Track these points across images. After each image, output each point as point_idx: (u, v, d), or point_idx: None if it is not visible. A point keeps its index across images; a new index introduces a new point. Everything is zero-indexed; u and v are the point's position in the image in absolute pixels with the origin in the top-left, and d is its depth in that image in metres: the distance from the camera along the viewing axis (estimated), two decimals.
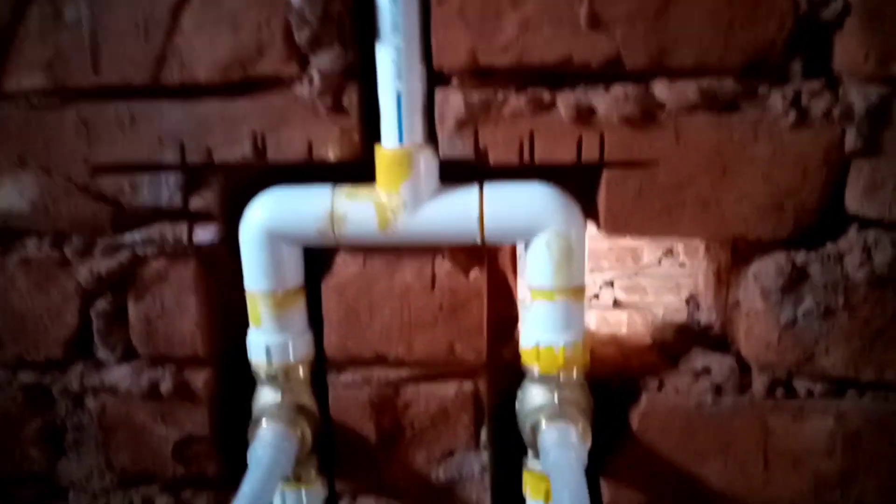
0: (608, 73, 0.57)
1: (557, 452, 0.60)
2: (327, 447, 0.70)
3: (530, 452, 0.69)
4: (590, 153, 0.58)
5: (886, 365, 0.63)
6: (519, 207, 0.60)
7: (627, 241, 2.31)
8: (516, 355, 0.72)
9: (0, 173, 0.62)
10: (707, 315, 0.78)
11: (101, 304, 0.66)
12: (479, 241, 0.61)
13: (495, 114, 0.58)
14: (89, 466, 0.71)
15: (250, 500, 0.56)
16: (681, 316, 0.81)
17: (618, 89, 0.57)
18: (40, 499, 0.74)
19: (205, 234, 0.63)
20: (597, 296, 2.40)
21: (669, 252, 2.27)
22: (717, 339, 0.73)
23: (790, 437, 0.65)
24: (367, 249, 0.64)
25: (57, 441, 0.71)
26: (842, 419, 0.65)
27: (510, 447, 0.72)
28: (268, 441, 0.62)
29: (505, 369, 0.72)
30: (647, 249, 2.28)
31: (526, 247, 0.63)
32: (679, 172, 0.59)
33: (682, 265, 2.26)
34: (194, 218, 0.63)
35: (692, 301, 0.82)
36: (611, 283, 2.42)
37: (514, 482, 0.71)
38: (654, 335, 0.76)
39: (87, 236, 0.64)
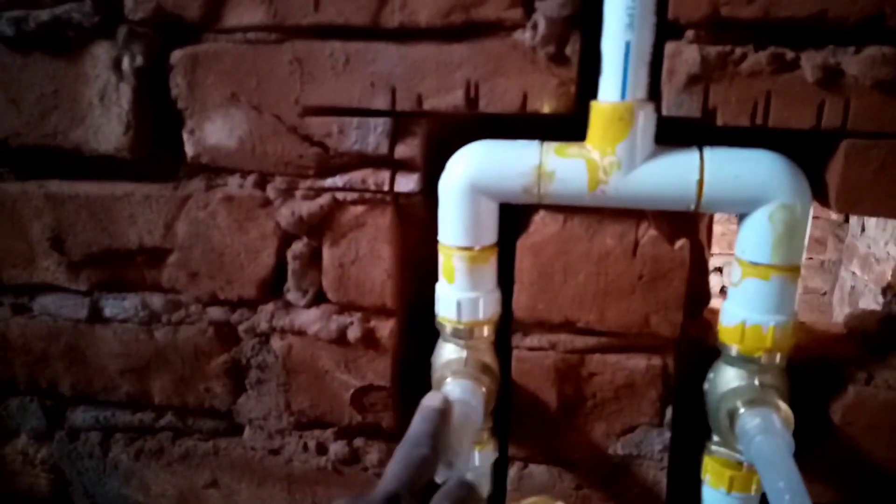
0: (864, 31, 0.52)
1: (764, 439, 0.56)
2: (503, 411, 0.69)
3: (715, 437, 0.65)
4: (831, 120, 0.54)
5: None
6: (744, 175, 0.56)
7: None
8: (703, 333, 0.69)
9: (213, 108, 0.64)
10: None
11: (298, 247, 0.67)
12: (693, 207, 0.58)
13: (731, 71, 0.54)
14: (268, 406, 0.73)
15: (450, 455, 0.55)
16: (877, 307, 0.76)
17: (873, 50, 0.52)
18: (217, 432, 0.76)
19: (407, 182, 0.62)
20: None
21: None
22: None
23: None
24: (569, 210, 0.62)
25: (240, 378, 0.73)
26: None
27: (686, 429, 0.69)
28: (457, 396, 0.61)
29: (691, 347, 0.69)
30: None
31: (741, 219, 0.59)
32: None
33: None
34: (398, 166, 0.62)
35: (890, 291, 0.76)
36: (719, 270, 2.32)
37: (687, 465, 0.68)
38: (851, 324, 0.71)
39: (290, 178, 0.65)
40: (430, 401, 0.53)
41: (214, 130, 0.64)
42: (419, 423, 0.50)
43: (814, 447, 0.64)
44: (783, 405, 0.61)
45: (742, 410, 0.60)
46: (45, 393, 0.79)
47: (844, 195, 0.56)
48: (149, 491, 0.79)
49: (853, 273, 2.31)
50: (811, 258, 2.30)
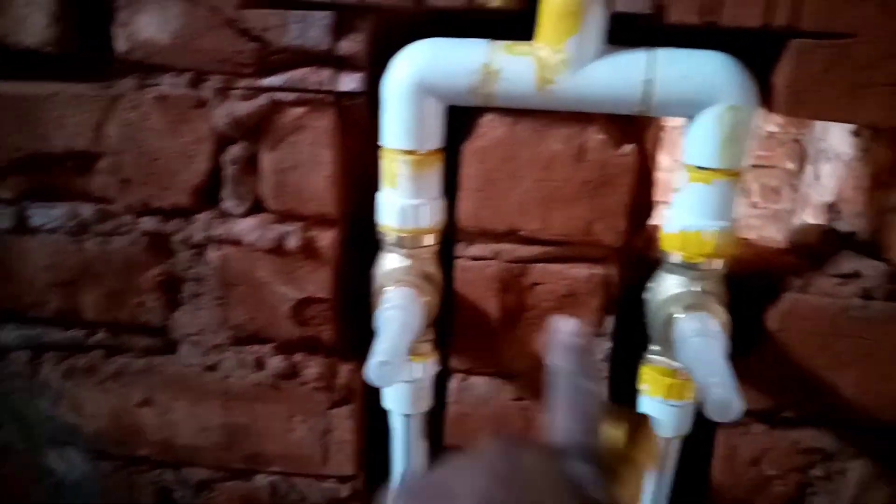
0: None
1: (700, 341, 0.57)
2: (444, 323, 0.68)
3: (654, 346, 0.66)
4: (781, 18, 0.53)
5: None
6: (692, 76, 0.55)
7: None
8: (646, 245, 0.69)
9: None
10: (851, 222, 0.73)
11: (235, 151, 0.64)
12: (643, 109, 0.57)
13: None
14: (204, 321, 0.71)
15: (388, 356, 0.54)
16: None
17: None
18: (151, 349, 0.74)
19: (350, 82, 0.60)
20: None
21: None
22: (866, 246, 0.69)
23: None
24: (517, 113, 0.60)
25: (174, 292, 0.70)
26: None
27: (626, 341, 0.70)
28: (398, 303, 0.60)
29: (633, 259, 0.69)
30: None
31: (688, 123, 0.59)
32: (876, 48, 0.54)
33: (754, 205, 2.19)
34: (340, 64, 0.60)
35: (832, 209, 0.78)
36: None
37: (627, 378, 0.69)
38: (794, 238, 0.72)
39: (227, 77, 0.61)
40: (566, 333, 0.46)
41: (147, 24, 0.60)
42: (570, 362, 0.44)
43: (750, 354, 0.65)
44: (722, 310, 0.62)
45: (680, 315, 0.61)
46: None
47: (791, 97, 0.56)
48: (81, 411, 0.76)
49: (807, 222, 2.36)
50: (766, 207, 2.35)
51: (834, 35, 0.54)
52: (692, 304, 0.61)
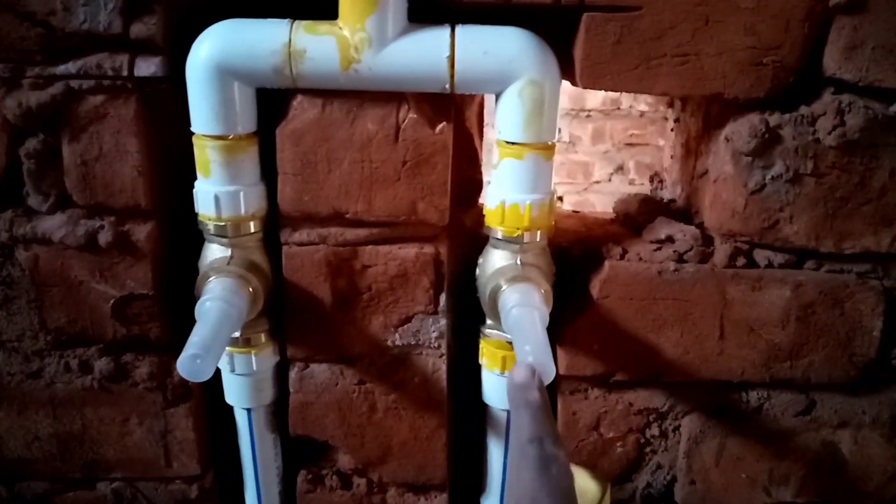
0: None
1: (519, 311, 0.58)
2: (279, 312, 0.67)
3: (489, 320, 0.67)
4: None
5: (846, 236, 0.64)
6: (493, 51, 0.56)
7: (579, 156, 2.30)
8: (478, 223, 0.70)
9: None
10: (671, 191, 0.77)
11: (32, 144, 0.60)
12: (448, 87, 0.57)
13: None
14: (21, 326, 0.67)
15: (200, 349, 0.53)
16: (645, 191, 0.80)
17: None
18: None
19: (148, 66, 0.57)
20: None
21: (620, 169, 2.28)
22: (682, 212, 0.72)
23: (747, 306, 0.66)
24: (328, 94, 0.59)
25: None
26: (798, 290, 0.65)
27: (469, 318, 0.70)
28: (217, 294, 0.59)
29: (466, 237, 0.70)
30: (599, 165, 2.28)
31: (497, 100, 0.59)
32: (661, 20, 0.56)
33: (631, 182, 2.28)
34: (136, 48, 0.57)
35: (656, 178, 0.81)
36: (560, 199, 2.42)
37: (471, 355, 0.70)
38: (618, 208, 0.75)
39: (14, 65, 0.57)
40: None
41: None
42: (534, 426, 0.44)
43: (576, 322, 0.67)
44: (544, 282, 0.63)
45: (504, 287, 0.62)
46: None
47: (588, 70, 0.58)
48: None
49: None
50: (641, 183, 2.44)
51: (622, 9, 0.56)
52: (514, 277, 0.62)
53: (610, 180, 2.30)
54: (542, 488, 0.41)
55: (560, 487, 0.42)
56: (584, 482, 0.62)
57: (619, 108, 2.26)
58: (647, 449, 0.75)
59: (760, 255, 0.65)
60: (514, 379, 0.47)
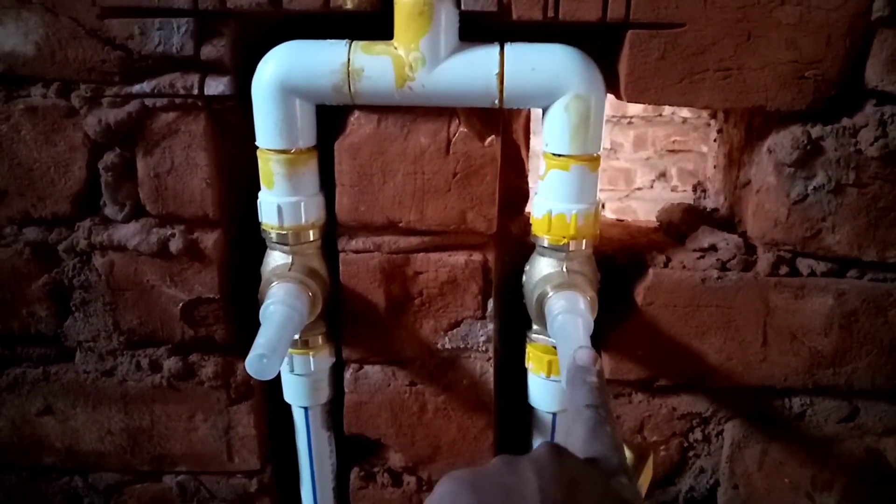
0: None
1: (565, 318, 0.61)
2: (336, 316, 0.71)
3: (535, 326, 0.70)
4: (616, 12, 0.57)
5: (889, 245, 0.64)
6: (540, 68, 0.59)
7: (621, 163, 2.31)
8: (524, 231, 0.73)
9: (1, 11, 0.60)
10: (714, 200, 0.78)
11: (110, 158, 0.65)
12: (497, 102, 0.60)
13: None
14: (97, 327, 0.71)
15: (266, 349, 0.56)
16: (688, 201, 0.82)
17: None
18: (47, 359, 0.74)
19: (217, 85, 0.61)
20: None
21: (662, 175, 2.28)
22: (724, 221, 0.73)
23: (790, 314, 0.67)
24: (383, 109, 0.63)
25: (64, 300, 0.71)
26: (841, 298, 0.66)
27: (515, 324, 0.73)
28: (280, 298, 0.62)
29: (513, 245, 0.73)
30: (640, 172, 2.28)
31: (544, 114, 0.62)
32: (704, 35, 0.58)
33: (673, 189, 2.27)
34: (206, 69, 0.61)
35: (699, 188, 0.83)
36: (602, 206, 2.43)
37: (518, 359, 0.72)
38: (661, 217, 0.77)
39: (95, 85, 0.62)
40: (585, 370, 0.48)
41: (7, 35, 0.61)
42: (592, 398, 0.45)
43: (620, 328, 0.69)
44: (589, 289, 0.66)
45: (550, 294, 0.64)
46: None
47: (632, 84, 0.60)
48: None
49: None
50: (684, 190, 2.44)
51: (666, 25, 0.58)
52: (560, 284, 0.65)
53: (652, 187, 2.30)
54: (594, 441, 0.41)
55: (614, 439, 0.42)
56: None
57: (661, 115, 2.26)
58: (691, 453, 0.76)
59: (803, 264, 0.67)
60: (577, 360, 0.49)
